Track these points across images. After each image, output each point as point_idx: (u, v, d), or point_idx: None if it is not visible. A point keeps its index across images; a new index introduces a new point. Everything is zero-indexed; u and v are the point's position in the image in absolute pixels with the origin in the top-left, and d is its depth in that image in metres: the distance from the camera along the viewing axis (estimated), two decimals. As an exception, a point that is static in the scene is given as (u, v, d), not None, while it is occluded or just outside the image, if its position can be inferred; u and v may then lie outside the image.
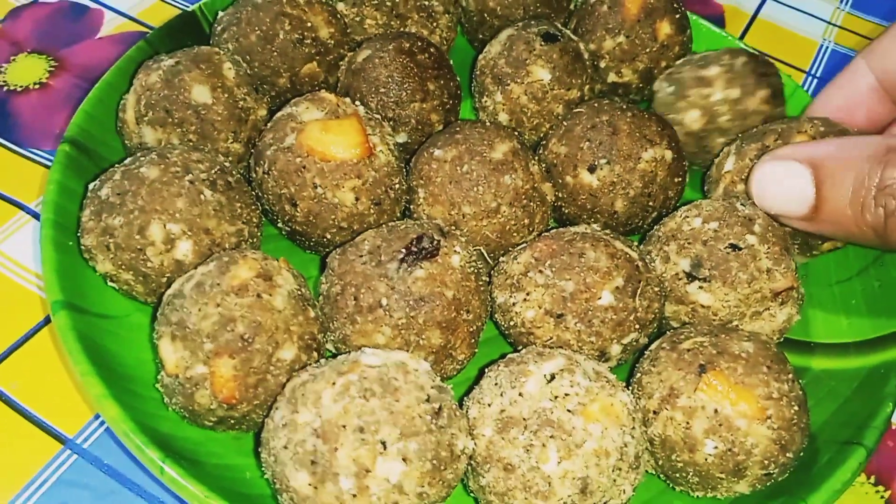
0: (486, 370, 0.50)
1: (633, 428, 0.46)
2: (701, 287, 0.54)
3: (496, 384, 0.48)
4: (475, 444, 0.46)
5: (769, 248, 0.54)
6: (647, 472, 0.52)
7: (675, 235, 0.56)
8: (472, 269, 0.53)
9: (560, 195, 0.63)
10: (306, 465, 0.43)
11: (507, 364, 0.49)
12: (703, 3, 0.97)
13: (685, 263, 0.55)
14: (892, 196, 0.45)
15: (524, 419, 0.45)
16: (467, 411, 0.48)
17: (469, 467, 0.47)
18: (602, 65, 0.73)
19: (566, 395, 0.46)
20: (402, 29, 0.72)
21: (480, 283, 0.54)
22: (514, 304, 0.54)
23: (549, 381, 0.46)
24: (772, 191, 0.52)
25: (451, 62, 0.71)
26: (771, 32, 0.95)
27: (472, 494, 0.49)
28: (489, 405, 0.47)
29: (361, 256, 0.52)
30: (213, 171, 0.54)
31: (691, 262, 0.55)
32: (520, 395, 0.46)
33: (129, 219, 0.51)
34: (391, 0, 0.71)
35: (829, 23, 0.99)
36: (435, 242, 0.52)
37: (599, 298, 0.52)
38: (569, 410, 0.45)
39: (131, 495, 0.52)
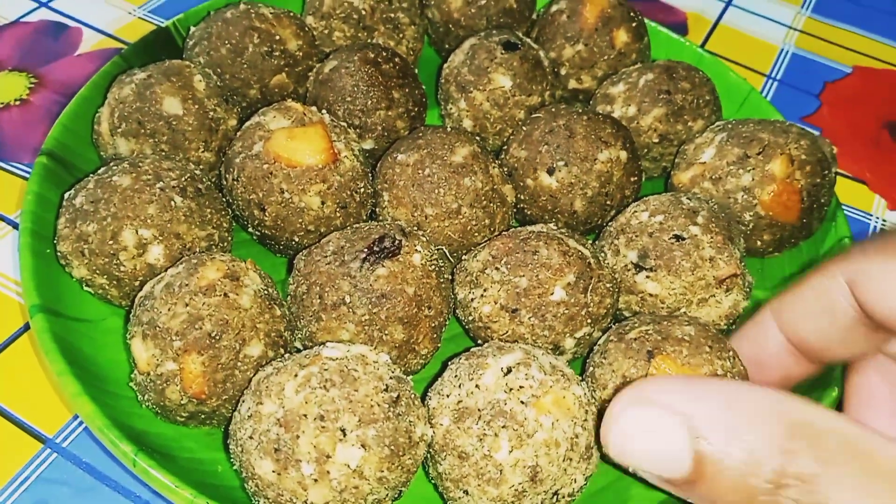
0: (449, 363, 0.52)
1: (586, 420, 0.49)
2: (648, 277, 0.57)
3: (455, 376, 0.50)
4: (434, 432, 0.49)
5: (712, 237, 0.56)
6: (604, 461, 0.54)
7: (624, 229, 0.59)
8: (434, 267, 0.55)
9: (522, 197, 0.65)
10: (270, 454, 0.45)
11: (468, 357, 0.51)
12: (667, 11, 1.00)
13: (633, 255, 0.58)
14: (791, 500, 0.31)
15: (479, 409, 0.47)
16: (428, 402, 0.50)
17: (429, 455, 0.49)
18: (563, 72, 0.76)
19: (520, 387, 0.48)
20: (369, 40, 0.74)
21: (442, 280, 0.56)
22: (472, 299, 0.56)
23: (506, 374, 0.49)
24: (636, 445, 0.35)
25: (418, 71, 0.74)
26: (732, 38, 0.98)
27: (431, 481, 0.51)
28: (448, 396, 0.49)
29: (326, 257, 0.54)
30: (183, 179, 0.56)
31: (638, 253, 0.57)
32: (476, 386, 0.48)
33: (102, 225, 0.54)
34: (358, 13, 0.73)
35: (790, 27, 1.02)
36: (397, 242, 0.54)
37: (552, 294, 0.54)
38: (522, 402, 0.47)
39: (109, 491, 0.54)
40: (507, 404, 0.47)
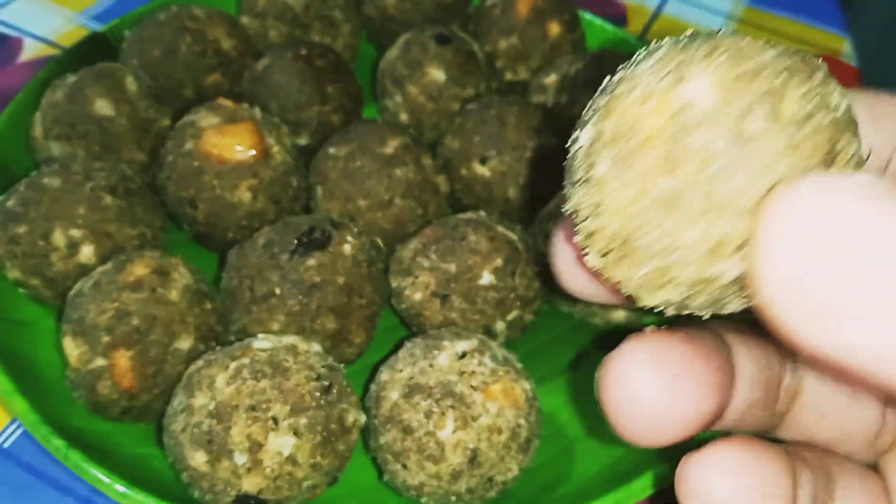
0: (405, 342, 0.54)
1: (529, 414, 0.50)
2: None
3: (411, 354, 0.51)
4: (381, 405, 0.49)
5: None
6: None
7: (553, 215, 0.60)
8: (365, 256, 0.56)
9: (457, 187, 0.67)
10: (203, 445, 0.46)
11: (425, 338, 0.53)
12: (606, 3, 1.02)
13: None
14: None
15: (430, 387, 0.48)
16: (379, 375, 0.52)
17: (371, 426, 0.50)
18: (499, 64, 0.77)
19: (473, 372, 0.49)
20: (304, 38, 0.75)
21: (374, 269, 0.57)
22: (404, 287, 0.57)
23: (460, 358, 0.50)
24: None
25: (358, 67, 0.75)
26: (672, 28, 1.00)
27: (370, 453, 0.52)
28: (401, 371, 0.50)
29: (256, 250, 0.55)
30: (113, 178, 0.57)
31: None
32: (430, 365, 0.50)
33: (33, 226, 0.54)
34: (292, 11, 0.74)
35: (730, 17, 1.04)
36: (326, 233, 0.55)
37: (480, 279, 0.55)
38: (472, 386, 0.48)
39: (48, 489, 0.55)
40: (458, 386, 0.48)
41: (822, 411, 0.33)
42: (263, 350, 0.48)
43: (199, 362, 0.49)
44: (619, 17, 1.00)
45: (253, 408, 0.46)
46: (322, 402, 0.47)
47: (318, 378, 0.48)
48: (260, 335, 0.50)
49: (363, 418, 0.50)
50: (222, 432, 0.45)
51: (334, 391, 0.48)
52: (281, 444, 0.46)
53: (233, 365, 0.47)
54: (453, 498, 0.49)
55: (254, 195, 0.59)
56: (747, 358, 0.31)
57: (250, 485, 0.46)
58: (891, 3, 1.10)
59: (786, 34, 1.02)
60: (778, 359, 0.33)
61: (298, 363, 0.48)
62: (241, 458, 0.45)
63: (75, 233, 0.55)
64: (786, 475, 0.28)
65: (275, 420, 0.46)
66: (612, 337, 0.60)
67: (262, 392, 0.46)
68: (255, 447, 0.45)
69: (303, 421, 0.46)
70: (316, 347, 0.51)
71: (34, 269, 0.55)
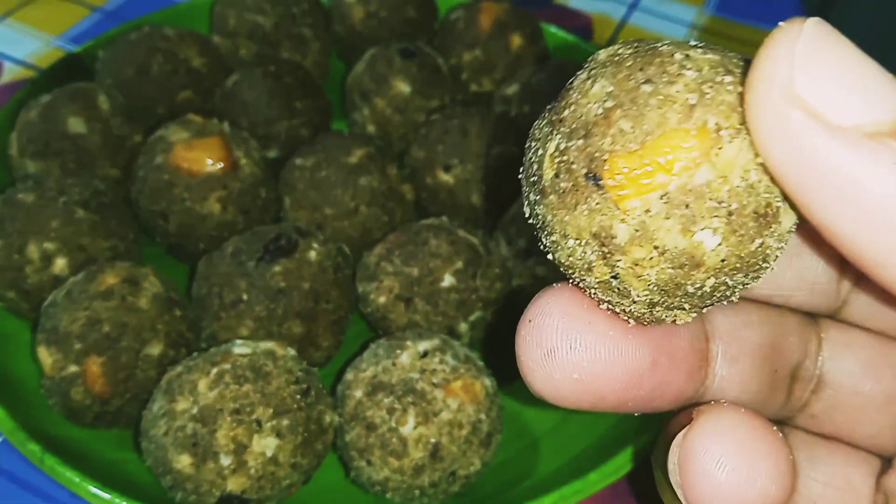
0: (371, 343, 0.56)
1: (490, 409, 0.52)
2: (537, 261, 0.60)
3: (375, 354, 0.53)
4: (346, 403, 0.51)
5: None
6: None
7: (515, 219, 0.62)
8: (331, 263, 0.58)
9: (424, 195, 0.69)
10: (187, 448, 0.48)
11: (389, 339, 0.55)
12: (572, 16, 1.05)
13: (523, 242, 0.61)
14: None
15: (392, 385, 0.50)
16: (346, 375, 0.54)
17: (338, 425, 0.52)
18: (464, 77, 0.80)
19: (434, 370, 0.51)
20: (274, 56, 0.78)
21: (340, 275, 0.59)
22: (370, 292, 0.59)
23: (422, 357, 0.52)
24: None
25: (324, 83, 0.77)
26: (636, 38, 1.03)
27: (337, 451, 0.54)
28: (364, 370, 0.52)
29: (225, 259, 0.57)
30: (86, 193, 0.59)
31: (527, 239, 0.61)
32: (393, 364, 0.52)
33: (8, 241, 0.56)
34: (262, 29, 0.77)
35: (694, 26, 1.06)
36: (292, 241, 0.57)
37: (442, 281, 0.58)
38: (433, 383, 0.50)
39: (28, 495, 0.56)
40: (419, 384, 0.50)
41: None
42: (243, 355, 0.50)
43: (178, 368, 0.51)
44: (584, 29, 1.03)
45: (237, 411, 0.48)
46: (302, 404, 0.49)
47: (297, 381, 0.50)
48: (238, 341, 0.52)
49: (338, 419, 0.52)
50: (207, 435, 0.47)
51: (312, 393, 0.51)
52: (264, 445, 0.48)
53: (214, 370, 0.49)
54: (417, 492, 0.51)
55: (223, 206, 0.61)
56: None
57: (235, 485, 0.48)
58: (867, 18, 1.13)
59: (751, 42, 1.05)
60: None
61: (278, 367, 0.50)
62: (226, 460, 0.47)
63: (49, 246, 0.56)
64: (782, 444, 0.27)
65: (258, 422, 0.48)
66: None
67: (245, 396, 0.48)
68: (241, 449, 0.47)
69: (285, 423, 0.48)
70: (291, 352, 0.53)
71: (10, 282, 0.57)
